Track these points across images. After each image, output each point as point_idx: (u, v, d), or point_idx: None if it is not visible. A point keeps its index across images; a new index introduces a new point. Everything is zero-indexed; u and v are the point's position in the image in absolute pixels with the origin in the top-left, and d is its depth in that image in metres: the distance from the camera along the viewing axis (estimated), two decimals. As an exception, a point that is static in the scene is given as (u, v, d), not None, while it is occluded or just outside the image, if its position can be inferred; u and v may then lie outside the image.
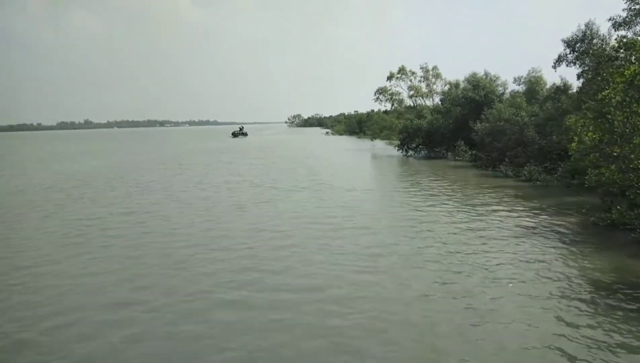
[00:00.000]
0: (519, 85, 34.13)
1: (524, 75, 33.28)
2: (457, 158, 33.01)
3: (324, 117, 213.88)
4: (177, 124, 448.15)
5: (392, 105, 46.62)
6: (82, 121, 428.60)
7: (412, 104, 46.41)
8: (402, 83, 46.02)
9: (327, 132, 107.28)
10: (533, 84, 31.36)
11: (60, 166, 37.10)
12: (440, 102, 42.61)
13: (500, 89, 34.90)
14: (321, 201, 18.06)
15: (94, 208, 17.16)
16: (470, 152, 32.12)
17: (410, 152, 38.58)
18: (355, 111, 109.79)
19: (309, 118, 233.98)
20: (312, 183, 22.86)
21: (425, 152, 38.34)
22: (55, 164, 39.25)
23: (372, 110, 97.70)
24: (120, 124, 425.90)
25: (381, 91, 46.65)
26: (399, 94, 46.52)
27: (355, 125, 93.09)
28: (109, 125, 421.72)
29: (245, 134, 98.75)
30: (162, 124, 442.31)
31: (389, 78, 45.75)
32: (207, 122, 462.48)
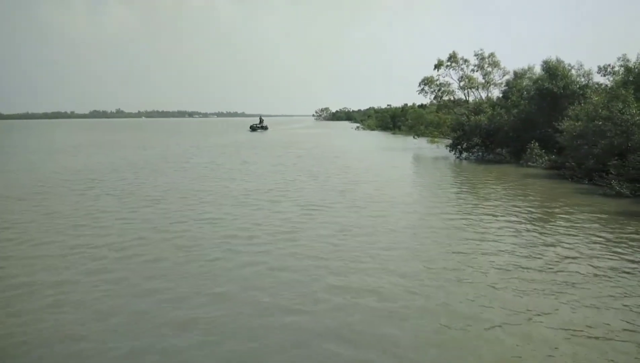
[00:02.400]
0: (605, 75, 27.20)
1: (612, 63, 26.41)
2: (529, 163, 26.38)
3: (353, 111, 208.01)
4: (205, 115, 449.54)
5: (440, 97, 39.77)
6: (113, 110, 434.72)
7: (464, 97, 39.53)
8: (452, 72, 39.19)
9: (357, 127, 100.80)
10: (632, 73, 24.27)
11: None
12: (502, 95, 35.81)
13: (582, 80, 27.97)
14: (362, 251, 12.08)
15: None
16: (547, 157, 25.49)
17: (464, 154, 32.11)
18: (388, 105, 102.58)
19: (336, 112, 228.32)
20: (345, 202, 16.89)
21: (482, 154, 31.76)
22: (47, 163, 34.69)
23: (406, 104, 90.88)
24: (150, 114, 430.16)
25: (427, 81, 39.97)
26: (449, 84, 39.70)
27: (389, 120, 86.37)
28: (138, 115, 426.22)
29: (265, 128, 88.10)
30: (191, 114, 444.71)
31: (437, 66, 39.06)
32: (235, 114, 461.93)
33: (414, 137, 42.22)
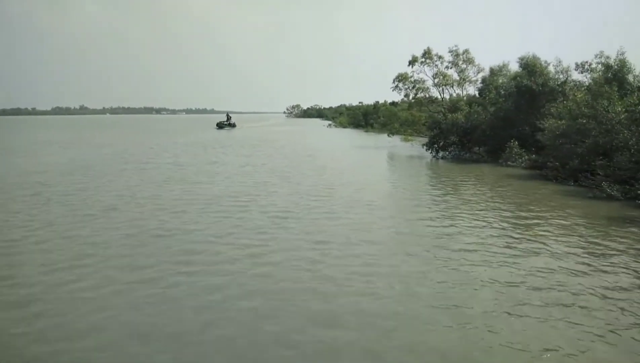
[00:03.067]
0: (582, 72, 26.69)
1: (590, 60, 25.90)
2: (509, 163, 25.55)
3: (324, 108, 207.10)
4: (173, 111, 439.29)
5: (415, 94, 38.74)
6: (77, 107, 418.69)
7: (439, 94, 38.64)
8: (427, 69, 38.19)
9: (329, 124, 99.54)
10: (612, 70, 23.70)
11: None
12: (477, 92, 35.04)
13: (560, 76, 27.38)
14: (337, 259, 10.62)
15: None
16: (527, 156, 24.71)
17: (441, 153, 31.13)
18: (360, 102, 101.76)
19: (308, 109, 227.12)
20: (321, 208, 15.37)
21: (460, 152, 30.85)
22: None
23: (377, 102, 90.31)
24: (115, 111, 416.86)
25: (401, 78, 38.88)
26: (423, 81, 38.70)
27: (361, 118, 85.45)
28: (103, 111, 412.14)
29: (233, 125, 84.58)
30: (158, 111, 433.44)
31: (412, 63, 37.99)
32: (205, 111, 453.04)
33: (388, 135, 41.18)
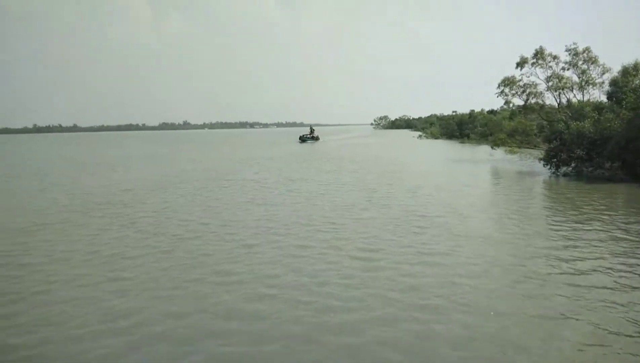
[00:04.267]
0: None
1: None
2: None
3: (413, 119, 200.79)
4: (265, 125, 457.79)
5: (526, 100, 33.47)
6: (181, 122, 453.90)
7: (554, 100, 32.98)
8: (538, 71, 32.81)
9: (419, 136, 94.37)
10: None
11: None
12: (606, 96, 29.08)
13: None
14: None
15: None
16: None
17: (563, 168, 25.83)
18: (453, 111, 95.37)
19: (396, 120, 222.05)
20: (418, 243, 11.97)
21: (586, 169, 25.28)
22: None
23: (473, 110, 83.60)
24: (214, 126, 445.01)
25: (507, 82, 33.84)
26: (535, 85, 33.32)
27: (455, 128, 79.49)
28: (203, 126, 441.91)
29: (316, 138, 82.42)
30: (252, 125, 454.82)
31: (520, 65, 32.87)
32: (294, 124, 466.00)
33: (492, 147, 36.15)
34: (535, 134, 34.14)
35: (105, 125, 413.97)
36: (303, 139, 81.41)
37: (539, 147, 33.24)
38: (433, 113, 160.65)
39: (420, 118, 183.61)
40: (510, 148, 38.00)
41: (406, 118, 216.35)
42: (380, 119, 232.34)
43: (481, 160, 36.76)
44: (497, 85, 34.36)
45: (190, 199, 19.56)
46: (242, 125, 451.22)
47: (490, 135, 63.93)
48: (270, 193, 20.93)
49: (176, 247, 11.84)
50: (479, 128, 69.81)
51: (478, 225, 14.04)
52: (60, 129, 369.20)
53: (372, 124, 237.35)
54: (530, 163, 31.67)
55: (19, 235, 13.45)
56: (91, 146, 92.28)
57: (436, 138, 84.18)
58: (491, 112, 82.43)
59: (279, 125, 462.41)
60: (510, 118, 61.10)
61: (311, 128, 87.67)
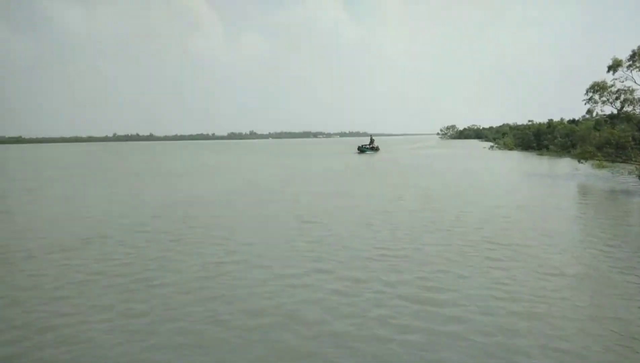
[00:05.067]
0: None
1: None
2: None
3: (483, 129, 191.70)
4: (328, 135, 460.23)
5: (620, 107, 29.24)
6: (247, 132, 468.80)
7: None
8: (636, 74, 28.52)
9: (491, 146, 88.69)
10: None
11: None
12: None
13: None
14: None
15: None
16: None
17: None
18: (529, 121, 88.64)
19: (464, 129, 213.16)
20: (503, 292, 9.53)
21: None
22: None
23: (551, 120, 76.94)
24: (279, 135, 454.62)
25: (597, 88, 29.79)
26: (632, 91, 29.02)
27: (531, 138, 73.49)
28: (268, 136, 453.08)
29: (375, 149, 77.88)
30: (315, 135, 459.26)
31: (612, 68, 28.82)
32: (357, 134, 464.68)
33: (579, 161, 31.87)
34: (631, 147, 29.67)
35: (178, 134, 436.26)
36: (362, 150, 77.37)
37: (633, 161, 28.76)
38: (505, 122, 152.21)
39: (491, 128, 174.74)
40: (599, 162, 33.50)
41: (475, 127, 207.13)
42: (447, 128, 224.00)
43: (566, 175, 32.58)
44: (585, 92, 30.42)
45: (234, 215, 18.21)
46: (306, 134, 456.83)
47: (573, 146, 58.21)
48: (320, 211, 19.09)
49: (203, 277, 10.28)
50: (559, 139, 63.88)
51: (571, 258, 11.30)
52: (137, 137, 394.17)
53: (438, 134, 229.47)
54: (624, 179, 27.40)
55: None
56: (192, 154, 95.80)
57: (510, 149, 78.42)
58: (572, 121, 75.53)
59: (342, 134, 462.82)
60: (595, 128, 55.28)
61: (371, 138, 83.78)
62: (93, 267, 11.24)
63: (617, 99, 29.33)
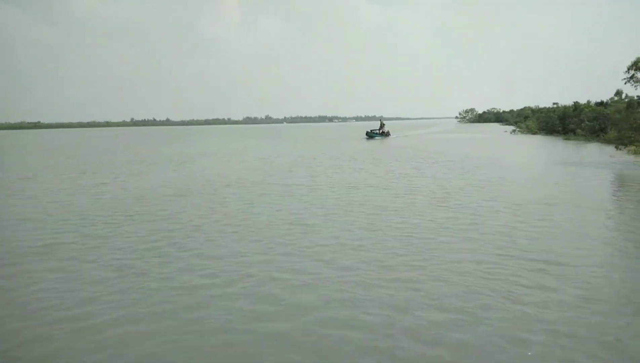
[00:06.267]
0: None
1: None
2: None
3: (503, 112, 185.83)
4: (344, 119, 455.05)
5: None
6: (263, 117, 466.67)
7: None
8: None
9: (512, 130, 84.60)
10: None
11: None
12: None
13: None
14: None
15: None
16: None
17: None
18: (554, 103, 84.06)
19: (483, 113, 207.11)
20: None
21: None
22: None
23: (577, 102, 72.50)
24: (294, 120, 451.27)
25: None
26: (681, 66, 25.58)
27: (557, 122, 69.40)
28: (282, 120, 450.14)
29: (386, 134, 71.45)
30: (330, 119, 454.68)
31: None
32: (373, 118, 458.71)
33: (617, 148, 28.54)
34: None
35: (195, 119, 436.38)
36: (370, 135, 70.45)
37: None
38: (526, 105, 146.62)
39: (511, 111, 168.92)
40: (635, 148, 30.24)
41: (495, 111, 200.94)
42: (466, 111, 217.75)
43: (599, 163, 29.36)
44: (625, 69, 27.01)
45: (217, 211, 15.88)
46: (322, 119, 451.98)
47: (602, 130, 54.28)
48: (318, 206, 16.63)
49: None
50: (587, 122, 59.91)
51: (618, 273, 8.64)
52: (154, 122, 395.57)
53: (456, 118, 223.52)
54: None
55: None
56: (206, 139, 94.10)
57: (533, 133, 74.44)
58: (600, 104, 71.04)
59: (357, 118, 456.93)
60: (629, 110, 51.26)
61: (381, 122, 77.18)
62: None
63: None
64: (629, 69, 26.92)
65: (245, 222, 14.28)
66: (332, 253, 10.80)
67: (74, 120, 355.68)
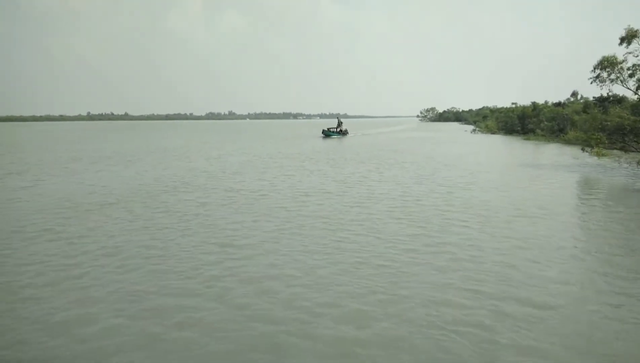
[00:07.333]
0: None
1: None
2: None
3: (463, 111, 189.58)
4: (309, 116, 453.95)
5: (638, 86, 25.07)
6: (226, 112, 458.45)
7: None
8: (650, 46, 24.28)
9: (473, 130, 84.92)
10: None
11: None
12: None
13: None
14: None
15: None
16: None
17: None
18: (513, 103, 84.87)
19: (444, 112, 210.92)
20: None
21: None
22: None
23: (535, 102, 73.29)
24: (258, 116, 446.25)
25: (606, 64, 25.51)
26: (646, 66, 24.82)
27: (516, 122, 69.74)
28: (246, 116, 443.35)
29: (344, 132, 68.88)
30: (295, 116, 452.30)
31: (626, 40, 24.57)
32: (338, 115, 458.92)
33: (583, 150, 27.58)
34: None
35: (155, 113, 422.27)
36: (327, 134, 67.01)
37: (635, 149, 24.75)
38: (484, 105, 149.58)
39: (470, 110, 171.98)
40: (598, 150, 29.45)
41: (455, 110, 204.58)
42: (427, 111, 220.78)
43: (564, 165, 28.40)
44: (592, 68, 26.04)
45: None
46: (286, 115, 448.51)
47: (561, 130, 54.49)
48: (261, 219, 14.27)
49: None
50: (545, 123, 60.24)
51: (593, 287, 6.76)
52: (112, 116, 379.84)
53: (418, 116, 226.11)
54: (634, 171, 23.44)
55: None
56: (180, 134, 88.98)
57: (493, 133, 74.72)
58: (558, 104, 72.06)
59: (322, 116, 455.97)
60: (585, 111, 51.49)
61: (339, 120, 73.61)
62: None
63: (631, 75, 25.02)
64: (595, 68, 26.00)
65: (167, 244, 11.71)
66: (263, 291, 8.48)
67: (28, 113, 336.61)
